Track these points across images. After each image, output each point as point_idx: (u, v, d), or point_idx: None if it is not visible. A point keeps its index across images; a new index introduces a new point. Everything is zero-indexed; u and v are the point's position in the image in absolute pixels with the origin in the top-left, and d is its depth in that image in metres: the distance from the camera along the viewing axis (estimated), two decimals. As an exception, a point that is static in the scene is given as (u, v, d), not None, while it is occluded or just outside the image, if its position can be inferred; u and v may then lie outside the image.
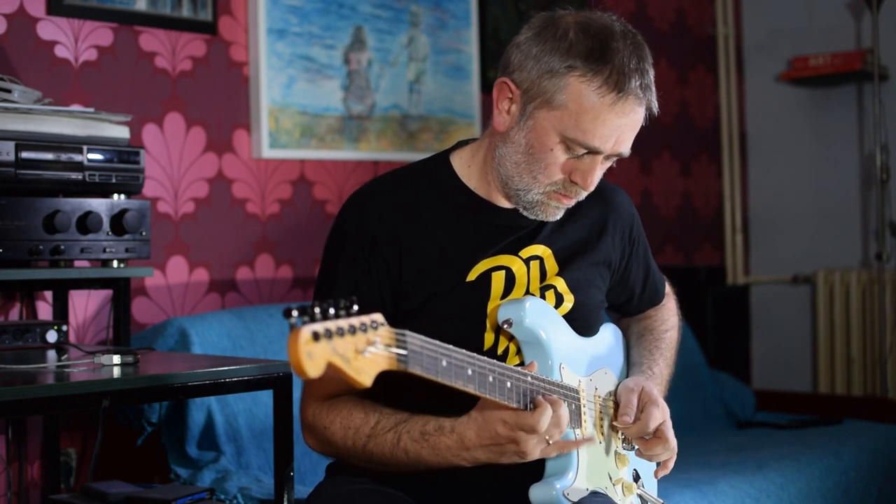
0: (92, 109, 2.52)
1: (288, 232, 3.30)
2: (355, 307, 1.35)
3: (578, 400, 1.77)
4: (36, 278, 2.49)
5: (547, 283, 1.84)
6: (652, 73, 1.73)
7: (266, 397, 2.34)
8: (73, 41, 2.85)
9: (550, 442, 1.62)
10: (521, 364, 1.75)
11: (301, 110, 3.30)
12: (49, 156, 2.37)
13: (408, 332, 1.43)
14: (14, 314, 2.73)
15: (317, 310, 1.30)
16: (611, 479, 1.82)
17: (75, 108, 2.64)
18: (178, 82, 3.06)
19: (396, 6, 3.53)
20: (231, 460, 2.65)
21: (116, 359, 2.14)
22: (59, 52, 2.82)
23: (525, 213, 1.81)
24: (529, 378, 1.63)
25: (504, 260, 1.81)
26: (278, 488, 2.13)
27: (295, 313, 1.28)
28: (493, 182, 1.81)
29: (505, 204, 1.82)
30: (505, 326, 1.74)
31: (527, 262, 1.82)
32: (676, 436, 1.84)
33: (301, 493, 2.18)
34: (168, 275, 3.04)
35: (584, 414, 1.78)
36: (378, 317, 1.38)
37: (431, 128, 3.63)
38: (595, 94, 1.68)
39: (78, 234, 2.42)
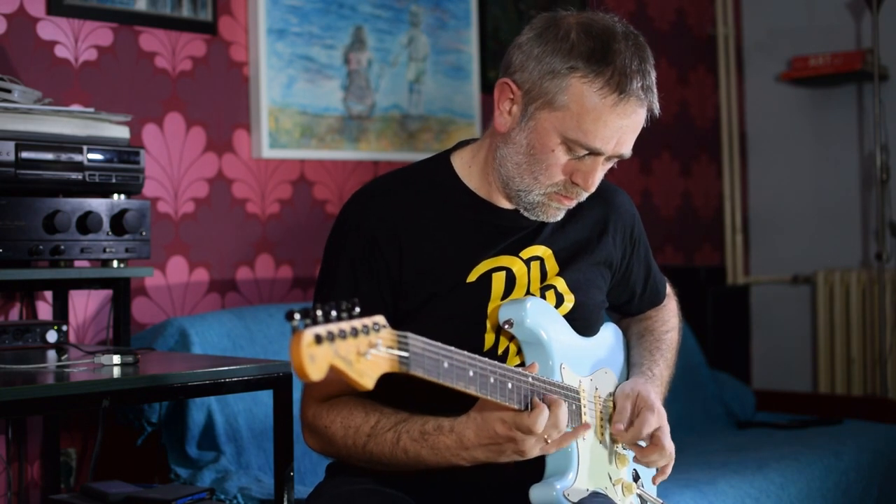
0: (92, 109, 2.52)
1: (288, 232, 3.30)
2: (357, 309, 1.34)
3: (579, 400, 1.77)
4: (36, 278, 2.49)
5: (547, 283, 1.84)
6: (653, 75, 1.73)
7: (266, 397, 2.34)
8: (73, 41, 2.85)
9: (549, 441, 1.62)
10: (522, 364, 1.75)
11: (301, 110, 3.30)
12: (49, 156, 2.37)
13: (409, 334, 1.43)
14: (14, 314, 2.73)
15: (319, 312, 1.29)
16: (611, 479, 1.82)
17: (75, 108, 2.64)
18: (178, 82, 3.06)
19: (396, 6, 3.53)
20: (231, 460, 2.65)
21: (116, 359, 2.14)
22: (59, 52, 2.82)
23: (526, 214, 1.81)
24: (530, 379, 1.63)
25: (505, 261, 1.81)
26: (278, 488, 2.13)
27: (297, 316, 1.28)
28: (494, 183, 1.81)
29: (505, 204, 1.82)
30: (506, 327, 1.74)
31: (527, 262, 1.82)
32: (676, 436, 1.83)
33: (301, 493, 2.18)
34: (168, 275, 3.04)
35: (585, 414, 1.78)
36: (380, 319, 1.38)
37: (431, 128, 3.63)
38: (597, 96, 1.68)
39: (78, 234, 2.42)
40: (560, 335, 1.78)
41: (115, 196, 2.51)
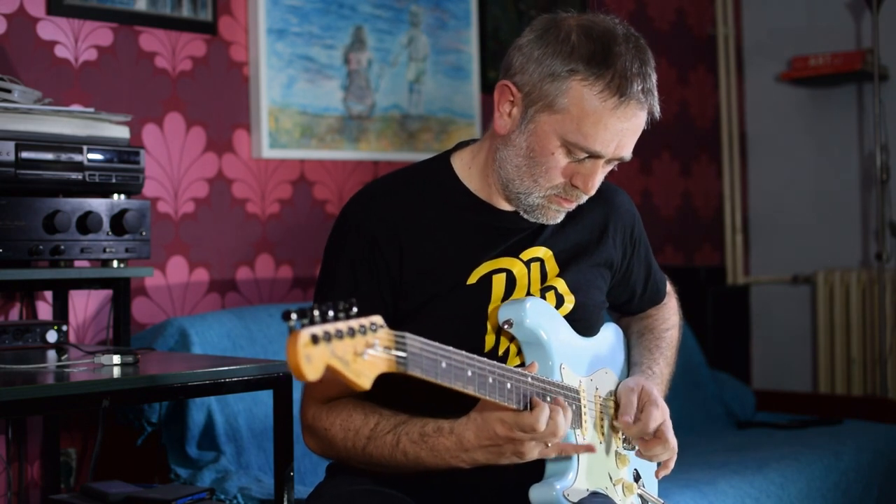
0: (92, 109, 2.52)
1: (288, 232, 3.30)
2: (354, 309, 1.34)
3: (579, 400, 1.77)
4: (36, 278, 2.49)
5: (547, 284, 1.84)
6: (654, 77, 1.73)
7: (266, 397, 2.34)
8: (73, 41, 2.85)
9: (549, 444, 1.62)
10: (522, 365, 1.75)
11: (301, 110, 3.30)
12: (49, 156, 2.37)
13: (407, 335, 1.43)
14: (14, 314, 2.73)
15: (316, 312, 1.29)
16: (611, 479, 1.82)
17: (75, 108, 2.64)
18: (178, 82, 3.06)
19: (396, 6, 3.53)
20: (231, 460, 2.65)
21: (116, 359, 2.14)
22: (59, 52, 2.82)
23: (525, 216, 1.81)
24: (529, 379, 1.63)
25: (505, 262, 1.81)
26: (278, 488, 2.13)
27: (294, 316, 1.28)
28: (494, 184, 1.81)
29: (505, 206, 1.82)
30: (506, 327, 1.74)
31: (527, 264, 1.82)
32: (676, 436, 1.84)
33: (301, 493, 2.18)
34: (168, 275, 3.04)
35: (585, 414, 1.78)
36: (377, 319, 1.38)
37: (431, 128, 3.63)
38: (597, 99, 1.68)
39: (78, 234, 2.42)
40: (560, 335, 1.78)
41: (115, 196, 2.51)
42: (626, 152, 1.74)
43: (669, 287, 2.15)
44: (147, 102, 2.99)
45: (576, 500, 1.72)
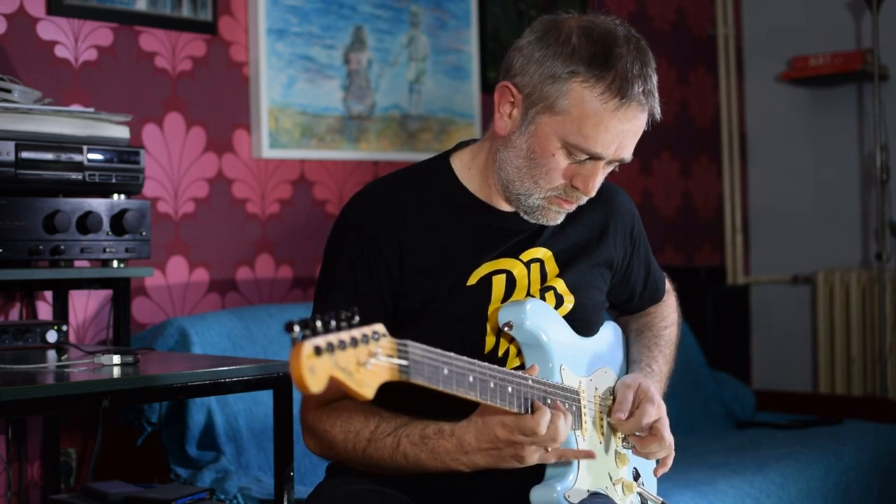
0: (92, 109, 2.52)
1: (288, 232, 3.30)
2: (356, 318, 1.34)
3: (579, 401, 1.77)
4: (36, 278, 2.49)
5: (547, 284, 1.84)
6: (655, 79, 1.73)
7: (266, 397, 2.34)
8: (73, 41, 2.85)
9: (549, 449, 1.62)
10: (522, 366, 1.75)
11: (301, 110, 3.30)
12: (49, 156, 2.37)
13: (409, 342, 1.43)
14: (14, 314, 2.73)
15: (318, 323, 1.29)
16: (611, 478, 1.82)
17: (75, 108, 2.64)
18: (178, 82, 3.06)
19: (396, 6, 3.53)
20: (231, 460, 2.65)
21: (116, 359, 2.14)
22: (59, 52, 2.82)
23: (526, 218, 1.81)
24: (530, 381, 1.63)
25: (505, 263, 1.81)
26: (278, 488, 2.13)
27: (297, 328, 1.27)
28: (494, 185, 1.81)
29: (505, 207, 1.82)
30: (506, 329, 1.74)
31: (527, 264, 1.82)
32: (676, 436, 1.84)
33: (301, 493, 2.18)
34: (168, 275, 3.04)
35: (585, 415, 1.78)
36: (379, 327, 1.37)
37: (431, 128, 3.63)
38: (598, 100, 1.68)
39: (78, 234, 2.42)
40: (560, 336, 1.78)
41: (115, 196, 2.51)
42: (627, 154, 1.74)
43: (668, 285, 2.15)
44: (147, 102, 2.99)
45: (576, 502, 1.72)
